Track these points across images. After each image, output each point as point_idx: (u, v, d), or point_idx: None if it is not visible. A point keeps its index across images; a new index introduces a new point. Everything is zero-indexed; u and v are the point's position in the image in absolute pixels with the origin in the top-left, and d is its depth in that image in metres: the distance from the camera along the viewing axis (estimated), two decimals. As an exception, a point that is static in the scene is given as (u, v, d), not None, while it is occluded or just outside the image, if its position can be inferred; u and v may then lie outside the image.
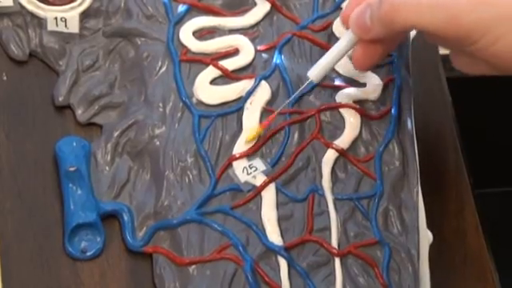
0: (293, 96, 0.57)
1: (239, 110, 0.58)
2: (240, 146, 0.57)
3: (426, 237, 0.56)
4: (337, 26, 0.60)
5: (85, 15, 0.60)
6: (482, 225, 0.59)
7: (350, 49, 0.56)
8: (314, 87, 0.59)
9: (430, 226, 0.57)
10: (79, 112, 0.58)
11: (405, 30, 0.54)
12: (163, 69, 0.59)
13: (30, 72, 0.59)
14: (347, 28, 0.55)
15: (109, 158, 0.56)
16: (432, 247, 0.56)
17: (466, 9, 0.50)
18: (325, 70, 0.56)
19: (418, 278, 0.54)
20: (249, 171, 0.56)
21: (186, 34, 0.60)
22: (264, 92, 0.58)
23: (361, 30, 0.54)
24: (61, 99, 0.58)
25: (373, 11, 0.53)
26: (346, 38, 0.55)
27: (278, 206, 0.55)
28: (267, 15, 0.61)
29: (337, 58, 0.56)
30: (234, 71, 0.59)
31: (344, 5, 0.61)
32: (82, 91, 0.58)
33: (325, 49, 0.59)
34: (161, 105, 0.58)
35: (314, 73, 0.56)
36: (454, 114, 0.62)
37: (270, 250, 0.54)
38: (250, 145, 0.56)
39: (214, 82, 0.59)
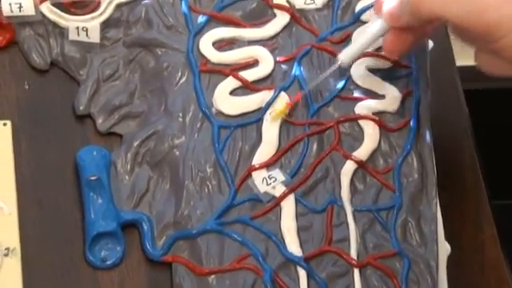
0: (321, 76, 0.58)
1: (259, 121, 0.58)
2: (259, 157, 0.57)
3: (444, 248, 0.56)
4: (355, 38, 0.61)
5: (106, 25, 0.60)
6: (500, 236, 0.59)
7: (381, 35, 0.57)
8: (332, 99, 0.59)
9: (447, 237, 0.57)
10: (99, 121, 0.58)
11: (431, 20, 0.54)
12: (183, 79, 0.59)
13: (52, 81, 0.60)
14: (379, 15, 0.56)
15: (129, 167, 0.57)
16: (450, 258, 0.56)
17: (493, 4, 0.49)
18: (355, 54, 0.57)
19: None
20: (268, 182, 0.56)
21: (205, 44, 0.60)
22: (283, 103, 0.59)
23: (391, 18, 0.55)
24: (81, 108, 0.58)
25: (402, 0, 0.54)
26: (377, 24, 0.56)
27: (298, 216, 0.55)
28: (286, 27, 0.61)
29: (368, 43, 0.57)
30: (253, 82, 0.59)
31: (364, 17, 0.61)
32: (102, 101, 0.59)
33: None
34: (180, 115, 0.58)
35: (345, 56, 0.57)
36: (471, 126, 0.62)
37: (290, 261, 0.54)
38: (276, 120, 0.56)
39: (233, 92, 0.59)
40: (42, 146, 0.58)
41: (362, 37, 0.57)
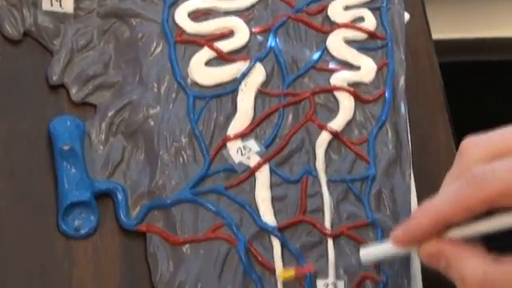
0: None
1: (234, 92, 0.58)
2: (234, 127, 0.57)
3: (418, 220, 0.56)
4: (332, 9, 0.61)
5: (80, -5, 0.60)
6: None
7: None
8: (308, 70, 0.59)
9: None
10: (73, 91, 0.58)
11: None
12: (158, 49, 0.59)
13: (25, 51, 0.59)
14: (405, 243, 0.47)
15: (103, 137, 0.56)
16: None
17: None
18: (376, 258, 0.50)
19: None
20: (243, 152, 0.56)
21: (181, 15, 0.60)
22: (259, 74, 0.59)
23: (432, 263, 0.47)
24: (55, 78, 0.58)
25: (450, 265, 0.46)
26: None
27: (272, 186, 0.55)
28: (262, -2, 0.61)
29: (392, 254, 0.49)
30: (228, 53, 0.59)
31: None
32: (76, 71, 0.58)
33: (320, 32, 0.59)
34: (155, 85, 0.58)
35: (366, 254, 0.49)
36: (446, 99, 0.62)
37: (264, 231, 0.54)
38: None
39: (208, 63, 0.59)
40: (15, 116, 0.57)
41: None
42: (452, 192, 0.46)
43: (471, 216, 0.46)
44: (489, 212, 0.46)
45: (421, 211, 0.47)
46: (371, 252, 0.49)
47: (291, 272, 0.52)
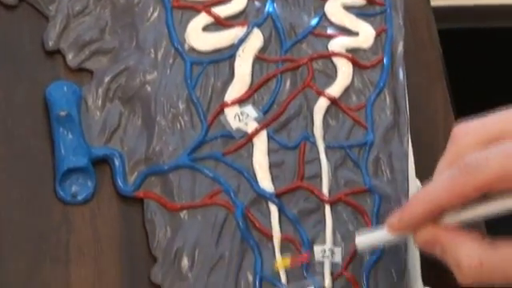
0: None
1: (231, 57, 0.58)
2: (232, 93, 0.57)
3: (415, 185, 0.56)
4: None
5: (76, -40, 0.59)
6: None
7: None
8: (306, 36, 0.59)
9: (418, 175, 0.57)
10: (70, 57, 0.58)
11: None
12: (155, 15, 0.59)
13: (20, 17, 0.59)
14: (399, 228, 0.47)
15: (100, 103, 0.56)
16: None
17: None
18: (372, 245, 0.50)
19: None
20: (240, 118, 0.56)
21: (177, -20, 0.59)
22: (256, 39, 0.58)
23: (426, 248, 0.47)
24: (51, 44, 0.58)
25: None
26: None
27: (270, 152, 0.55)
28: (260, -37, 0.60)
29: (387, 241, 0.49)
30: (226, 18, 0.59)
31: None
32: (72, 36, 0.58)
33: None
34: (152, 51, 0.58)
35: (361, 241, 0.49)
36: (444, 66, 0.62)
37: (261, 197, 0.54)
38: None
39: (206, 28, 0.59)
40: (10, 82, 0.57)
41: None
42: (446, 180, 0.46)
43: (466, 202, 0.46)
44: (485, 195, 0.46)
45: (415, 198, 0.47)
46: (367, 239, 0.49)
47: (287, 261, 0.52)
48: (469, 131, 0.47)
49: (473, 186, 0.45)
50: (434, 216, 0.46)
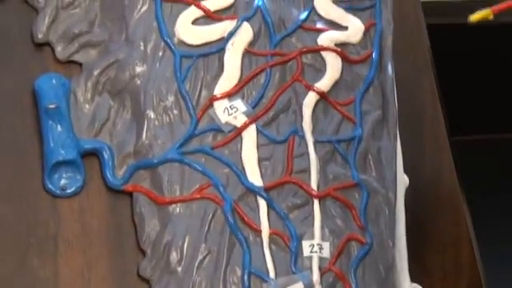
0: None
1: (221, 51, 0.58)
2: (221, 87, 0.57)
3: (403, 181, 0.57)
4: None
5: (65, -49, 0.59)
6: (458, 170, 0.60)
7: None
8: (295, 30, 0.59)
9: (406, 170, 0.57)
10: (59, 49, 0.57)
11: None
12: (144, 7, 0.58)
13: (9, 9, 0.58)
14: None
15: (89, 96, 0.56)
16: (408, 190, 0.57)
17: None
18: None
19: (394, 220, 0.55)
20: (230, 112, 0.56)
21: (167, -28, 0.59)
22: (246, 33, 0.58)
23: None
24: (40, 36, 0.57)
25: None
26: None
27: (259, 147, 0.55)
28: (250, -44, 0.60)
29: None
30: (215, 12, 0.59)
31: None
32: (61, 28, 0.58)
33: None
34: (142, 44, 0.58)
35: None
36: (432, 61, 0.62)
37: (250, 191, 0.54)
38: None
39: (195, 22, 0.59)
40: (-1, 74, 0.57)
41: None
42: None
43: None
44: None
45: None
46: None
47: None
48: None
49: None
50: None
